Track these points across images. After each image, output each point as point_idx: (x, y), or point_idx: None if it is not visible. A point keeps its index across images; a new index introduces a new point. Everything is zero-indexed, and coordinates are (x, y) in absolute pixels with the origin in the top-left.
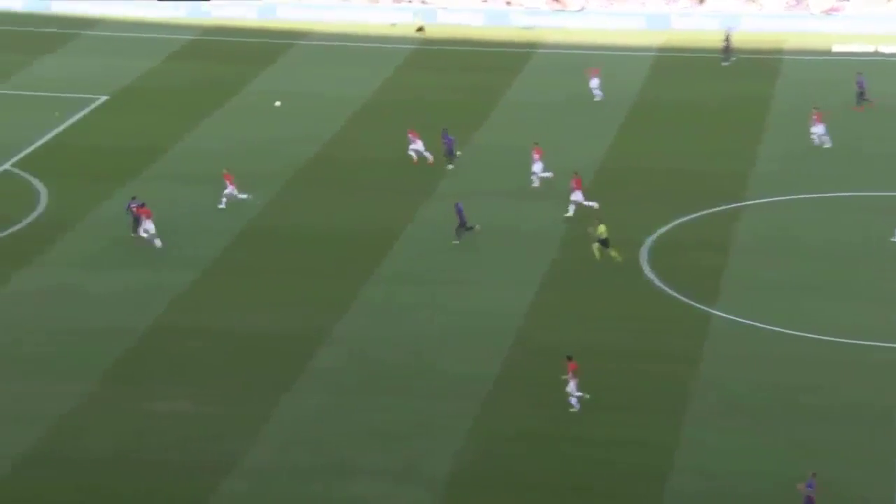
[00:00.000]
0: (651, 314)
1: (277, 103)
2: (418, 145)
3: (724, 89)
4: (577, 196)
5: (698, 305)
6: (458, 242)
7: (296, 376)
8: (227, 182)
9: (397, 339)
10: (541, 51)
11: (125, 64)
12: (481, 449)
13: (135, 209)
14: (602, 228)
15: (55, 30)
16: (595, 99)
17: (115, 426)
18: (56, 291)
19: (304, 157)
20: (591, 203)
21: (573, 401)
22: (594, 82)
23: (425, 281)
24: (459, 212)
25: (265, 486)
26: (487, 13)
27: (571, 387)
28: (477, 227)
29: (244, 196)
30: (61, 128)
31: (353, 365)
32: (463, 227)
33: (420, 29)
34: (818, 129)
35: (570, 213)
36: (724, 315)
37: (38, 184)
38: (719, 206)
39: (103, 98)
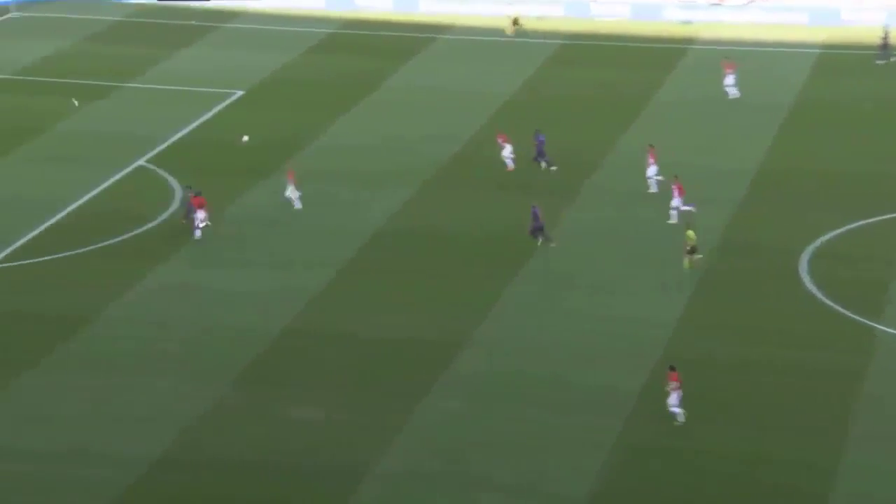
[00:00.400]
0: (810, 327)
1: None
2: (507, 150)
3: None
4: (671, 192)
5: (862, 319)
6: (553, 244)
7: (432, 382)
8: (289, 179)
9: (538, 347)
10: (696, 47)
11: (262, 57)
12: (621, 466)
13: (191, 196)
14: (691, 234)
15: (193, 22)
16: (729, 97)
17: (248, 430)
18: (190, 290)
19: (443, 156)
20: (688, 207)
21: (675, 412)
22: (729, 79)
23: (570, 286)
24: (535, 216)
25: (395, 494)
26: (637, 7)
27: (672, 399)
28: (553, 242)
29: (297, 197)
30: (196, 123)
31: (492, 372)
32: (540, 231)
33: (516, 22)
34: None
35: (674, 220)
36: (890, 330)
37: (172, 180)
38: (887, 213)
39: (239, 93)
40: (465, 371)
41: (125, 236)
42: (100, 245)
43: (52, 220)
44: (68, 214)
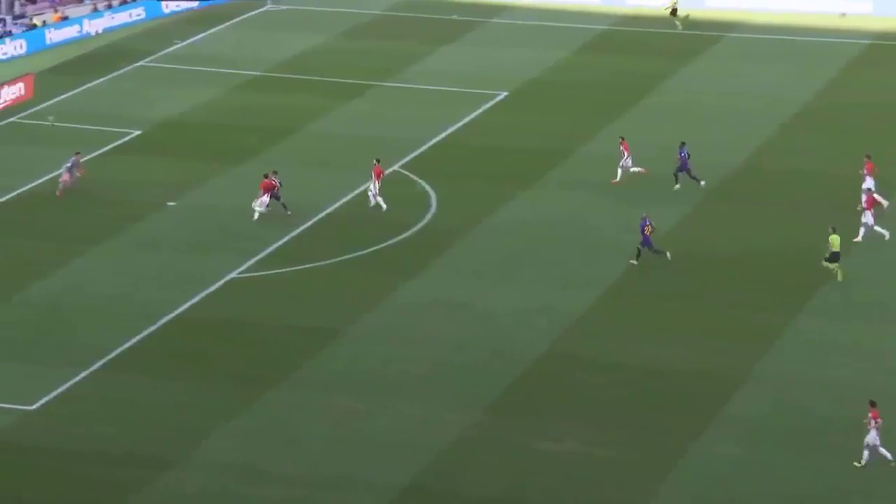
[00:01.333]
0: None
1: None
2: (627, 161)
3: None
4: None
5: None
6: (635, 263)
7: (705, 422)
8: (374, 176)
9: (825, 385)
10: None
11: (530, 56)
12: None
13: (272, 181)
14: (835, 240)
15: (455, 17)
16: None
17: (500, 461)
18: (443, 306)
19: (726, 167)
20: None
21: (866, 455)
22: None
23: (864, 317)
24: (642, 228)
25: None
26: None
27: (871, 437)
28: (667, 254)
29: (376, 199)
30: (456, 126)
31: (776, 414)
32: (649, 248)
33: (674, 12)
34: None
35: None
36: None
37: (428, 186)
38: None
39: (503, 94)
40: (744, 411)
41: (378, 246)
42: (352, 255)
43: (303, 228)
44: (319, 222)
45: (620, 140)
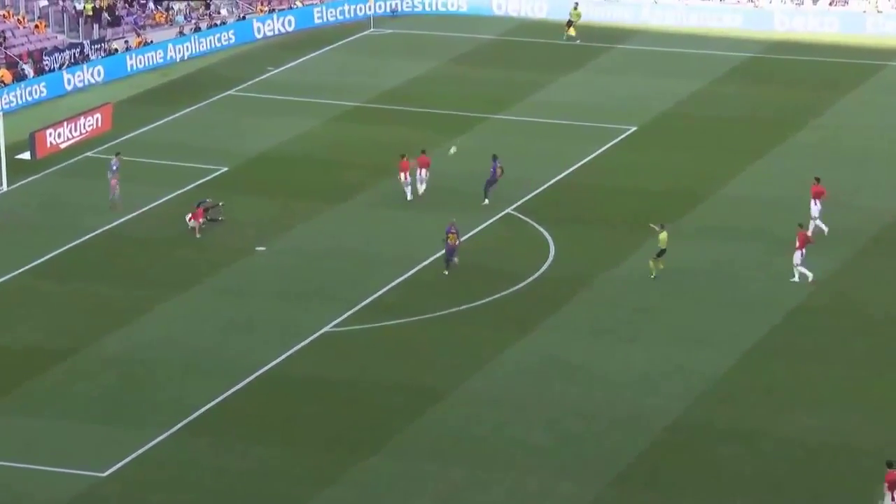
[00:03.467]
0: None
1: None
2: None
3: None
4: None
5: None
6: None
7: None
8: (402, 172)
9: None
10: None
11: (662, 86)
12: None
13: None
14: (664, 237)
15: (579, 42)
16: None
17: None
18: (560, 366)
19: (891, 213)
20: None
21: None
22: None
23: None
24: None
25: None
26: None
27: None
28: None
29: (409, 192)
30: (576, 164)
31: None
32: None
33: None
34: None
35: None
36: None
37: (544, 231)
38: None
39: (631, 128)
40: None
41: (489, 298)
42: (459, 308)
43: (404, 277)
44: (422, 270)
45: (815, 181)
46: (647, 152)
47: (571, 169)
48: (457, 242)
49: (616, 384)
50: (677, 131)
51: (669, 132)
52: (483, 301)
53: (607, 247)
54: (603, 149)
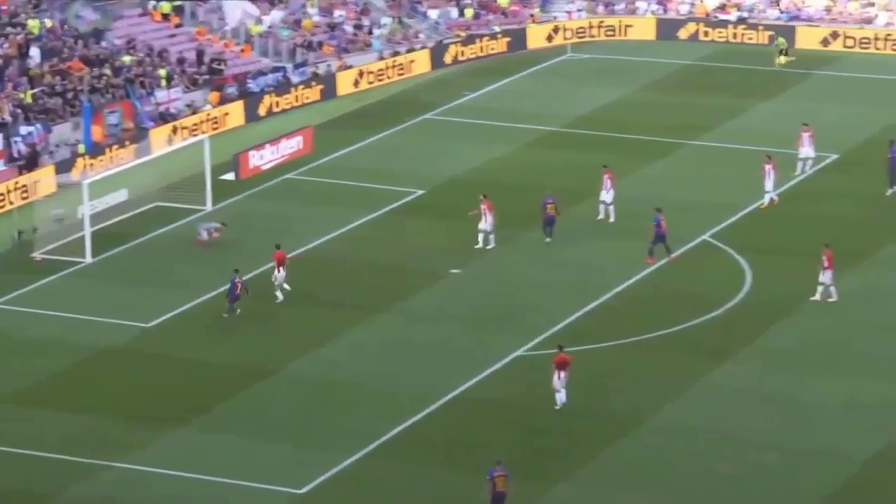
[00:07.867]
0: None
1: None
2: None
3: None
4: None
5: None
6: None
7: None
8: (486, 210)
9: None
10: None
11: (864, 113)
12: None
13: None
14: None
15: (778, 68)
16: None
17: None
18: (755, 396)
19: None
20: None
21: None
22: None
23: None
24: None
25: None
26: None
27: None
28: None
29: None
30: (774, 192)
31: None
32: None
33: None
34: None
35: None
36: None
37: (742, 260)
38: None
39: (832, 156)
40: None
41: (682, 325)
42: (651, 335)
43: (596, 303)
44: (615, 296)
45: None
46: (847, 180)
47: (771, 194)
48: (555, 213)
49: (813, 415)
50: (880, 160)
51: (871, 161)
52: (676, 328)
53: (805, 275)
54: (801, 176)
